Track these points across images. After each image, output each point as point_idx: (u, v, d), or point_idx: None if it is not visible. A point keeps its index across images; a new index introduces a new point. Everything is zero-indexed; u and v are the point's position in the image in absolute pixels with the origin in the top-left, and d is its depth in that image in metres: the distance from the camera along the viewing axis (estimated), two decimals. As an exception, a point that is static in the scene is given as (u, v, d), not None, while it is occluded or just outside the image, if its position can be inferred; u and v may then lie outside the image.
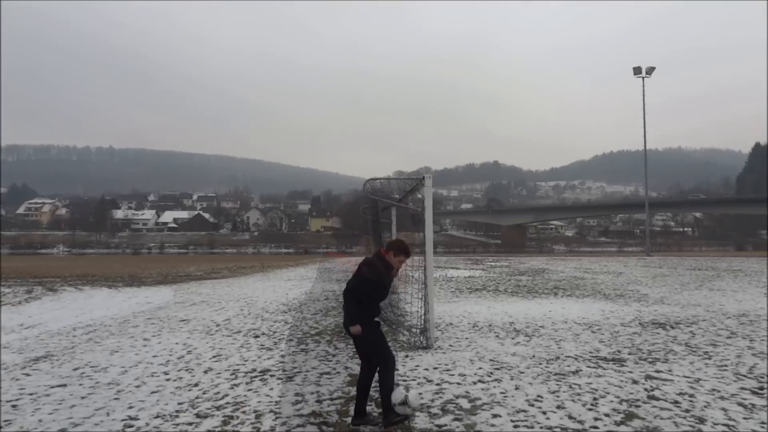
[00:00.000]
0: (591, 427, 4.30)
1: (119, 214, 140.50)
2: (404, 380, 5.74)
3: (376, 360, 4.28)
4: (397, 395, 4.10)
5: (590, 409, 4.71)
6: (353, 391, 5.32)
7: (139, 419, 4.59)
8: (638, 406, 4.79)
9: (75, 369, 6.44)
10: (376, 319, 4.41)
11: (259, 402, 5.05)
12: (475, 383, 5.59)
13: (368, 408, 4.47)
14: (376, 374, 4.32)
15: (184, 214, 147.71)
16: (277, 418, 4.60)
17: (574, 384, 5.51)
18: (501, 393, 5.22)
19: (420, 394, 4.98)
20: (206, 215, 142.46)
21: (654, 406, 4.79)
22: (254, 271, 27.80)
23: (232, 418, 4.61)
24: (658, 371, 6.02)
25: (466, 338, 8.12)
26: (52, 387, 5.65)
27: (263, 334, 8.77)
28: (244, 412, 4.75)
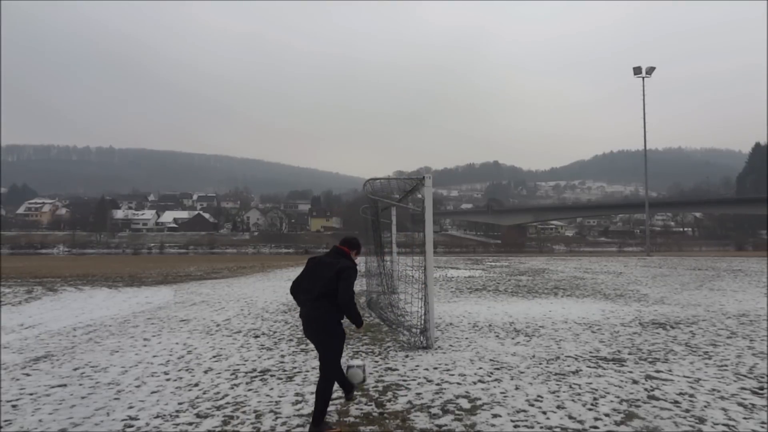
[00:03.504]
0: (591, 427, 4.30)
1: (119, 214, 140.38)
2: (404, 380, 5.74)
3: (332, 365, 4.27)
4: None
5: (590, 409, 4.71)
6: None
7: (139, 419, 4.59)
8: (638, 406, 4.79)
9: (75, 369, 6.44)
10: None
11: (259, 402, 5.05)
12: (475, 383, 5.59)
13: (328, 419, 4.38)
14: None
15: (184, 214, 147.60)
16: (277, 418, 4.60)
17: (574, 384, 5.51)
18: (501, 393, 5.22)
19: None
20: (206, 215, 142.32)
21: (654, 406, 4.79)
22: (254, 271, 27.81)
23: (232, 418, 4.61)
24: (658, 371, 6.02)
25: (466, 338, 8.11)
26: (52, 387, 5.65)
27: (263, 334, 8.77)
28: (244, 412, 4.74)
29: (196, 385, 5.68)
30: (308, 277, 4.37)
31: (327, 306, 4.19)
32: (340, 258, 4.39)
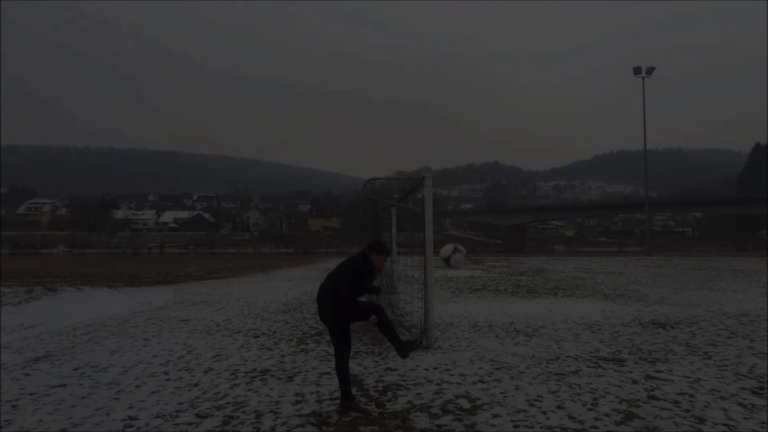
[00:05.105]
0: (591, 427, 4.30)
1: (119, 214, 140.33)
2: (404, 380, 5.75)
3: (348, 344, 4.84)
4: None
5: (590, 409, 4.71)
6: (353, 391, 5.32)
7: (139, 419, 4.59)
8: (638, 406, 4.79)
9: (75, 369, 6.43)
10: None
11: (259, 402, 5.05)
12: (475, 383, 5.59)
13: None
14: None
15: (184, 214, 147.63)
16: (277, 418, 4.60)
17: (574, 384, 5.51)
18: (501, 393, 5.22)
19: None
20: (206, 215, 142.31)
21: (654, 406, 4.79)
22: (254, 271, 27.81)
23: (232, 418, 4.61)
24: (658, 371, 6.02)
25: (466, 338, 8.12)
26: (52, 387, 5.65)
27: (263, 334, 8.77)
28: (244, 412, 4.75)
29: (196, 385, 5.68)
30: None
31: (331, 296, 4.83)
32: (354, 256, 5.07)
